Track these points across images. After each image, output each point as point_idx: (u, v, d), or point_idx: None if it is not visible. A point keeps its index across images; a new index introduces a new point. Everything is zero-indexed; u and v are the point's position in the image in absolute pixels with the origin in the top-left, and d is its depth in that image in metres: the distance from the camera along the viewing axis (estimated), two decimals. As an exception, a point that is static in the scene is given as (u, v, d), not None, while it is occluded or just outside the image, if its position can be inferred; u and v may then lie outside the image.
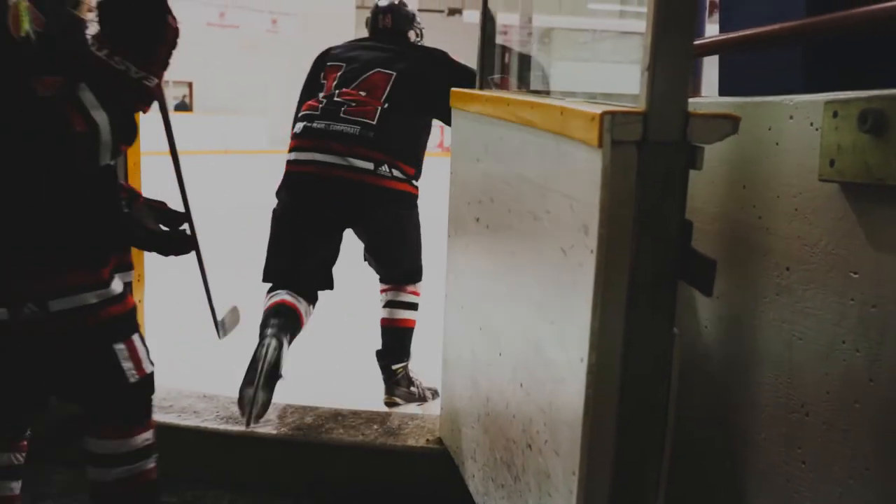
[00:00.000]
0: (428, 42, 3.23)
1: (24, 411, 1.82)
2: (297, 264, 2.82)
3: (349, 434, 2.50)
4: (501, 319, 1.87)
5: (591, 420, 1.30)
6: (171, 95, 20.02)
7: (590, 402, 1.30)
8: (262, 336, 2.61)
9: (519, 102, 1.72)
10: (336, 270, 2.96)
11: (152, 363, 1.84)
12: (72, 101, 1.55)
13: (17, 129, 1.55)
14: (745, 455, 1.45)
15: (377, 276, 3.15)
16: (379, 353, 3.11)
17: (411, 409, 2.77)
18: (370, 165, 2.75)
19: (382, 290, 3.10)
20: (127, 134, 1.65)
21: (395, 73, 2.85)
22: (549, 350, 1.52)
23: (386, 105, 2.82)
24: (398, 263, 3.05)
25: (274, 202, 2.90)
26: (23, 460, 1.80)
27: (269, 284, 2.83)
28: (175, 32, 1.66)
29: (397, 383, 3.08)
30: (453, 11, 22.11)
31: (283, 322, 2.67)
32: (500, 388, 1.85)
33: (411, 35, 3.14)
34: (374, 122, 2.78)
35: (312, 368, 3.33)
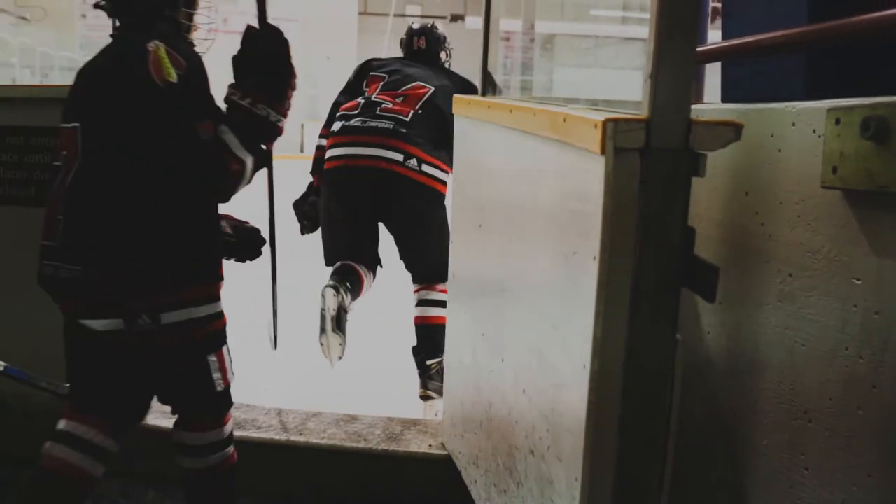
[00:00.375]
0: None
1: (134, 409, 2.01)
2: (348, 248, 3.13)
3: (351, 439, 2.50)
4: (504, 325, 1.87)
5: (594, 426, 1.30)
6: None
7: (592, 409, 1.30)
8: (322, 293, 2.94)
9: (521, 109, 1.72)
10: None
11: (234, 372, 2.00)
12: (221, 143, 1.77)
13: (178, 168, 1.74)
14: (747, 461, 1.45)
15: (406, 279, 3.30)
16: (414, 349, 3.21)
17: (414, 414, 2.77)
18: (400, 157, 2.96)
19: (415, 291, 3.23)
20: (260, 170, 1.90)
21: (433, 88, 3.11)
22: (551, 356, 1.52)
23: (420, 111, 3.05)
24: (424, 257, 3.13)
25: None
26: (116, 450, 1.94)
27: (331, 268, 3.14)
28: (295, 76, 1.90)
29: (431, 378, 3.19)
30: (456, 17, 22.11)
31: (340, 275, 3.02)
32: (503, 394, 1.85)
33: (442, 56, 3.40)
34: (408, 120, 3.01)
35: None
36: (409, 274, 3.24)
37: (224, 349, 1.94)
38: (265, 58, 1.85)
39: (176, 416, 2.05)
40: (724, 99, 1.96)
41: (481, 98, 2.28)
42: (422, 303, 3.20)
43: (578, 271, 1.34)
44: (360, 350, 3.57)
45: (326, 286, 2.93)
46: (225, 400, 2.01)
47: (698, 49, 1.54)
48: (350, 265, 3.08)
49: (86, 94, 1.81)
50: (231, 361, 1.98)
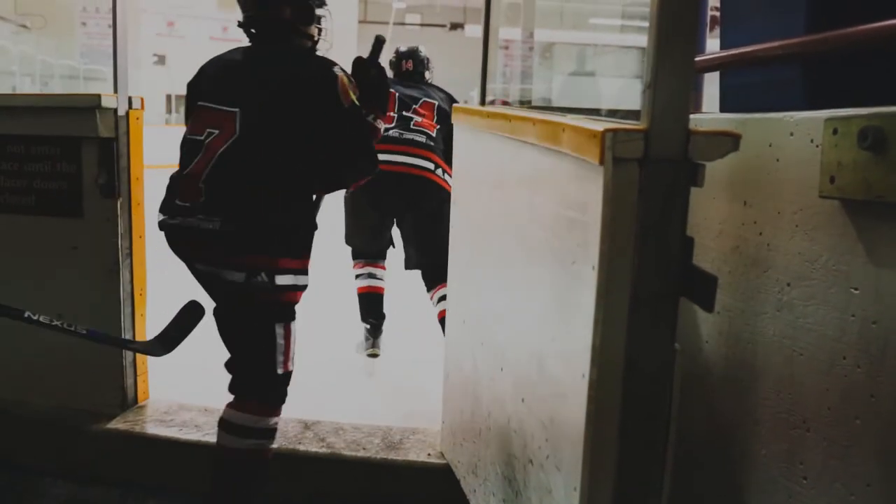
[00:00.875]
0: (431, 56, 3.91)
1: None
2: (370, 236, 3.70)
3: (350, 448, 2.50)
4: (503, 334, 1.87)
5: (593, 436, 1.30)
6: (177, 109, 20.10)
7: (591, 418, 1.30)
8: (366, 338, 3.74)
9: (520, 119, 1.73)
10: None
11: (293, 364, 2.19)
12: None
13: (327, 166, 2.16)
14: (746, 470, 1.45)
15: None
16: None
17: (413, 423, 2.76)
18: (431, 166, 3.48)
19: (432, 295, 3.57)
20: None
21: (436, 103, 3.62)
22: (550, 365, 1.52)
23: (438, 126, 3.56)
24: (440, 251, 3.28)
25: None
26: None
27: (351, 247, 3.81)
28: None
29: None
30: (455, 26, 22.18)
31: (374, 331, 3.72)
32: (502, 403, 1.85)
33: (427, 75, 3.85)
34: (433, 135, 3.54)
35: (318, 380, 3.33)
36: (424, 280, 3.59)
37: (293, 328, 2.14)
38: (375, 84, 2.32)
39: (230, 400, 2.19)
40: (723, 109, 1.96)
41: (480, 107, 2.29)
42: (443, 299, 3.42)
43: (577, 280, 1.34)
44: (359, 359, 3.58)
45: (369, 355, 3.67)
46: (279, 390, 2.17)
47: (697, 59, 1.55)
48: (376, 291, 3.76)
49: (252, 89, 2.12)
50: (294, 354, 2.17)
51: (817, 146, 1.24)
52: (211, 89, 2.17)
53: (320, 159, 2.11)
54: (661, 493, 1.33)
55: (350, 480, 2.47)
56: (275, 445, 2.47)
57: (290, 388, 2.64)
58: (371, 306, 3.74)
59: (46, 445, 2.63)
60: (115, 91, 2.59)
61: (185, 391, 2.89)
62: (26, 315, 1.98)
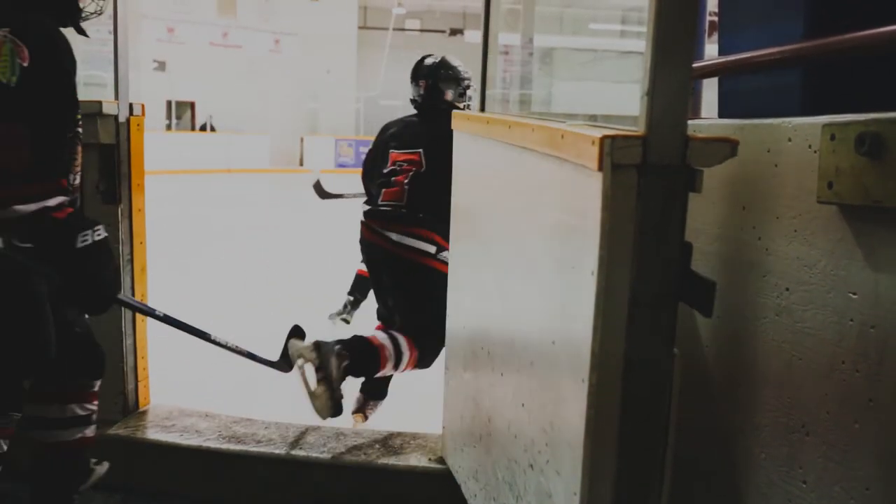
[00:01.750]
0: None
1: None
2: None
3: (351, 453, 2.50)
4: (502, 339, 1.88)
5: (593, 440, 1.31)
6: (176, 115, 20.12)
7: (591, 423, 1.30)
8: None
9: (519, 125, 1.73)
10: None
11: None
12: None
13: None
14: (746, 474, 1.46)
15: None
16: None
17: (414, 428, 2.76)
18: None
19: None
20: None
21: None
22: (550, 370, 1.53)
23: None
24: None
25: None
26: None
27: None
28: None
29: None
30: (455, 32, 22.24)
31: (360, 298, 4.23)
32: (502, 408, 1.86)
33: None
34: None
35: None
36: None
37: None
38: None
39: None
40: (721, 114, 1.97)
41: (479, 113, 2.30)
42: None
43: (576, 285, 1.35)
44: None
45: (342, 320, 4.16)
46: (431, 340, 2.84)
47: (695, 65, 1.55)
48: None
49: (429, 138, 3.05)
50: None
51: (815, 152, 1.25)
52: (397, 136, 3.12)
53: None
54: (661, 497, 1.33)
55: (351, 485, 2.47)
56: (277, 451, 2.48)
57: (291, 394, 2.66)
58: (362, 285, 4.16)
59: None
60: (116, 97, 2.59)
61: (185, 397, 2.89)
62: (213, 338, 2.36)
